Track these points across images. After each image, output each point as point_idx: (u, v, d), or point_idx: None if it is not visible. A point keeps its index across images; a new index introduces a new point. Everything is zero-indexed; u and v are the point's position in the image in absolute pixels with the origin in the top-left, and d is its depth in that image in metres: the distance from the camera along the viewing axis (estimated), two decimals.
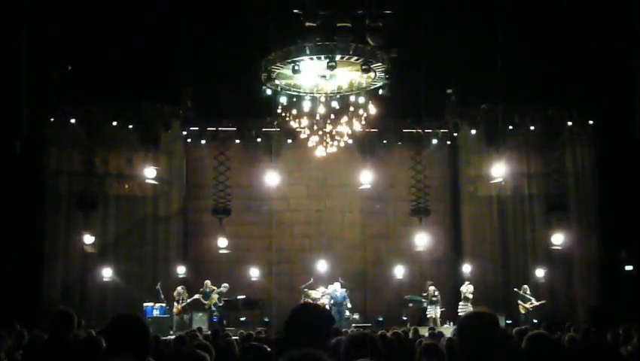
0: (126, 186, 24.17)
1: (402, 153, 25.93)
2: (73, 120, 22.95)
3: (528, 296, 22.40)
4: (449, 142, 25.91)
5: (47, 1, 19.94)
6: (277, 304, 23.75)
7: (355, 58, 18.35)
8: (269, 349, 6.36)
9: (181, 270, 24.01)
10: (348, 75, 19.69)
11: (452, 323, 21.55)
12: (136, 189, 24.21)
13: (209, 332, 15.97)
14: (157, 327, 18.88)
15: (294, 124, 21.10)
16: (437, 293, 22.77)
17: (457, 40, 21.98)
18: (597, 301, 22.32)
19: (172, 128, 24.39)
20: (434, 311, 22.55)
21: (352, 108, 20.40)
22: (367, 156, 24.96)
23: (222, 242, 24.65)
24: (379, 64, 18.63)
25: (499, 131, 24.27)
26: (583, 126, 24.07)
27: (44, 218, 22.25)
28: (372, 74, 19.10)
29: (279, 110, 20.60)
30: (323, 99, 20.46)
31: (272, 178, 24.91)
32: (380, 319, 23.25)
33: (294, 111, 20.66)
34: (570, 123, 24.00)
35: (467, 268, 24.41)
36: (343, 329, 15.82)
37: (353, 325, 20.96)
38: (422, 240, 25.09)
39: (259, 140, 25.13)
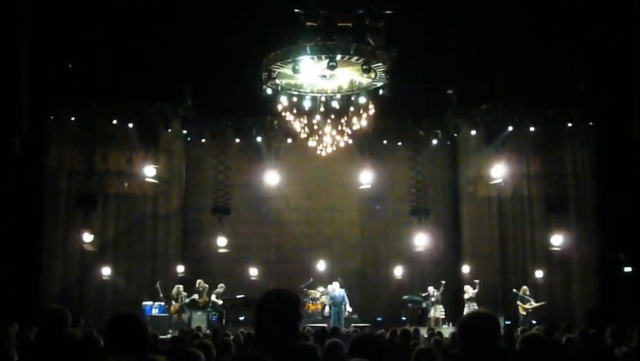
0: (126, 185, 24.18)
1: (402, 154, 25.96)
2: (73, 118, 22.99)
3: (528, 297, 22.39)
4: (449, 143, 25.95)
5: None
6: None
7: (356, 58, 18.33)
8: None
9: (180, 269, 24.02)
10: (349, 75, 19.67)
11: (451, 324, 21.56)
12: (136, 187, 24.23)
13: (208, 331, 15.97)
14: (156, 326, 18.84)
15: (294, 124, 21.09)
16: (436, 294, 22.77)
17: (457, 41, 21.99)
18: (596, 302, 22.34)
19: (172, 127, 24.40)
20: (435, 312, 22.55)
21: (352, 108, 20.40)
22: (366, 156, 24.98)
23: (221, 241, 24.69)
24: (380, 64, 18.61)
25: (499, 132, 24.29)
26: (583, 128, 24.06)
27: (44, 216, 22.26)
28: (372, 74, 19.08)
29: (279, 110, 20.58)
30: (323, 99, 20.46)
31: (271, 177, 24.95)
32: (379, 319, 23.24)
33: (294, 111, 20.65)
34: (569, 125, 24.00)
35: (466, 269, 24.43)
36: (343, 329, 15.83)
37: (352, 325, 20.94)
38: (421, 240, 25.15)
39: (259, 139, 25.14)
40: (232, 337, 10.56)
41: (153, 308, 21.82)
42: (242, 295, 22.56)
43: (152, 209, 24.51)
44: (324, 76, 19.33)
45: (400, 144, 25.73)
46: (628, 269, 21.52)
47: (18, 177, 19.91)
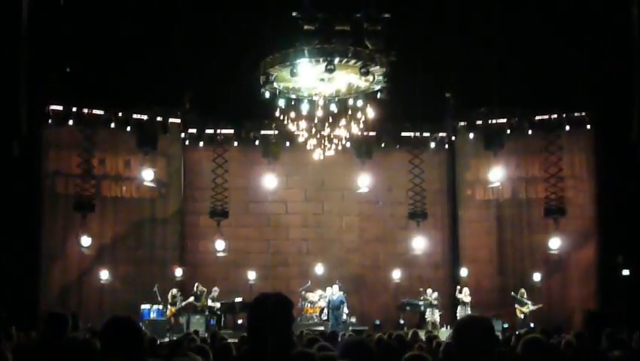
0: (124, 189, 24.17)
1: (400, 157, 25.96)
2: (71, 122, 22.94)
3: (526, 300, 22.42)
4: (447, 146, 25.97)
5: (45, 2, 19.93)
6: None
7: (354, 61, 18.34)
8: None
9: (178, 272, 23.99)
10: (347, 78, 19.65)
11: (449, 327, 21.56)
12: (134, 191, 24.22)
13: (206, 335, 15.95)
14: (154, 329, 18.86)
15: (292, 127, 21.06)
16: (435, 297, 22.79)
17: (456, 44, 22.02)
18: (594, 305, 22.34)
19: (170, 131, 24.40)
20: (433, 315, 22.56)
21: (350, 111, 20.38)
22: (364, 159, 24.96)
23: (219, 245, 24.67)
24: (378, 67, 18.60)
25: (497, 135, 24.31)
26: (581, 131, 24.07)
27: (42, 220, 22.24)
28: (370, 78, 19.07)
29: (277, 113, 20.55)
30: (321, 102, 20.41)
31: (269, 181, 24.95)
32: (377, 322, 23.25)
33: (292, 114, 20.62)
34: (568, 128, 24.00)
35: (464, 272, 24.45)
36: (341, 333, 15.80)
37: (350, 328, 20.93)
38: (419, 243, 25.17)
39: (257, 143, 25.13)
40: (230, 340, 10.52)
41: (152, 312, 21.83)
42: (240, 299, 22.55)
43: (150, 213, 24.49)
44: (323, 79, 19.31)
45: (398, 147, 25.74)
46: (626, 272, 21.54)
47: (16, 181, 19.94)
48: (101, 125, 23.44)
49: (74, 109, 22.86)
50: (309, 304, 23.41)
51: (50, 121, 22.68)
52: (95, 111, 23.23)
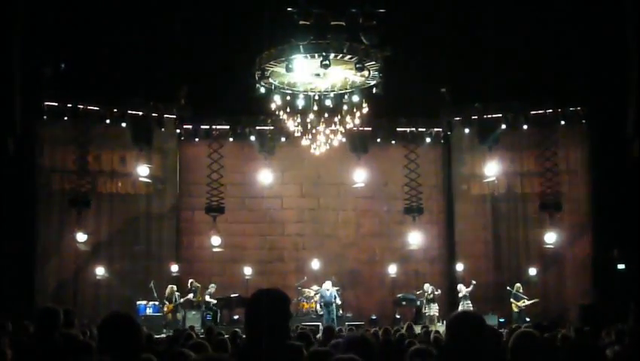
0: (120, 184, 24.13)
1: (396, 152, 26.00)
2: (66, 118, 22.90)
3: (521, 295, 22.46)
4: (442, 141, 26.05)
5: None
6: None
7: (349, 56, 18.35)
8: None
9: (174, 268, 23.98)
10: (342, 74, 19.68)
11: (445, 322, 21.59)
12: (129, 187, 24.19)
13: (202, 331, 15.97)
14: (150, 325, 18.81)
15: (287, 122, 21.09)
16: (432, 290, 22.81)
17: (451, 40, 22.02)
18: (589, 299, 22.38)
19: (165, 126, 24.39)
20: (431, 310, 22.59)
21: (345, 107, 20.41)
22: (360, 154, 25.01)
23: (215, 240, 24.68)
24: (373, 62, 18.64)
25: (492, 130, 24.34)
26: (576, 126, 24.10)
27: (37, 216, 22.18)
28: (366, 73, 19.11)
29: (273, 109, 20.57)
30: (317, 97, 20.47)
31: (265, 176, 24.97)
32: (373, 317, 23.29)
33: (288, 109, 20.65)
34: (563, 123, 24.03)
35: (460, 267, 24.50)
36: (338, 328, 15.83)
37: (346, 323, 20.98)
38: (415, 238, 25.22)
39: (253, 138, 25.14)
40: (227, 336, 10.54)
41: (147, 308, 21.82)
42: (237, 295, 22.56)
43: (146, 208, 24.46)
44: (318, 74, 19.33)
45: (393, 142, 25.78)
46: (621, 266, 21.58)
47: (11, 178, 19.89)
48: (96, 121, 23.39)
49: (69, 105, 22.81)
50: (305, 300, 23.45)
51: (45, 117, 22.61)
52: (90, 107, 23.17)
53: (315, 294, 23.28)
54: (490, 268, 24.78)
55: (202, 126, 25.14)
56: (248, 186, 25.58)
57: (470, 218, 25.39)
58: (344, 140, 22.20)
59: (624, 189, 20.51)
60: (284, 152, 25.13)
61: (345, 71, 19.42)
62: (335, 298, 22.38)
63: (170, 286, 22.44)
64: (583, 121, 23.89)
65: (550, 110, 24.09)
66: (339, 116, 20.76)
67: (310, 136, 21.50)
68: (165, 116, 24.33)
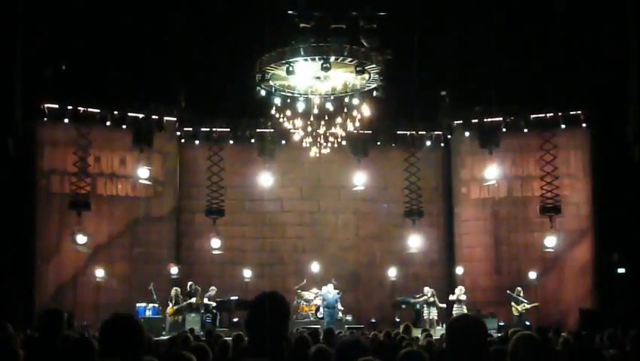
0: (120, 187, 24.13)
1: (396, 155, 25.98)
2: (66, 120, 22.89)
3: (521, 298, 22.43)
4: (442, 144, 26.01)
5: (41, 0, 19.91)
6: None
7: (349, 59, 18.37)
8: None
9: (173, 270, 23.96)
10: (343, 76, 19.70)
11: (444, 325, 21.55)
12: (129, 189, 24.19)
13: (202, 333, 15.95)
14: (150, 328, 18.81)
15: (287, 125, 21.09)
16: (432, 293, 22.79)
17: (451, 43, 22.03)
18: (589, 303, 22.39)
19: (165, 129, 24.38)
20: (431, 313, 22.56)
21: (345, 110, 20.41)
22: (360, 157, 24.98)
23: (215, 243, 24.65)
24: (373, 65, 18.65)
25: (493, 133, 24.32)
26: (577, 129, 24.09)
27: (37, 218, 22.19)
28: (366, 76, 19.13)
29: (273, 111, 20.59)
30: (317, 100, 20.47)
31: (265, 179, 24.94)
32: (373, 320, 23.26)
33: (288, 112, 20.65)
34: (563, 126, 24.02)
35: (460, 270, 24.48)
36: (337, 331, 15.81)
37: (346, 326, 20.95)
38: (415, 242, 25.16)
39: (253, 141, 25.13)
40: (227, 338, 10.53)
41: (147, 310, 21.80)
42: (236, 297, 22.54)
43: (145, 211, 24.45)
44: (318, 77, 19.34)
45: (393, 145, 25.77)
46: (621, 270, 21.57)
47: (12, 179, 19.90)
48: (96, 123, 23.39)
49: (70, 107, 22.80)
50: (304, 303, 23.42)
51: (45, 119, 22.64)
52: (90, 109, 23.18)
53: (315, 297, 23.26)
54: (490, 271, 24.76)
55: (202, 129, 25.12)
56: (248, 188, 25.56)
57: (471, 222, 25.38)
58: (344, 143, 22.20)
59: (625, 193, 20.49)
60: (285, 155, 25.11)
61: (345, 74, 19.43)
62: (337, 301, 22.37)
63: (175, 288, 22.45)
64: (584, 125, 23.87)
65: (551, 114, 24.05)
66: (339, 119, 20.75)
67: (310, 139, 21.50)
68: (165, 118, 24.31)
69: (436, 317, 22.54)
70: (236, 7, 20.97)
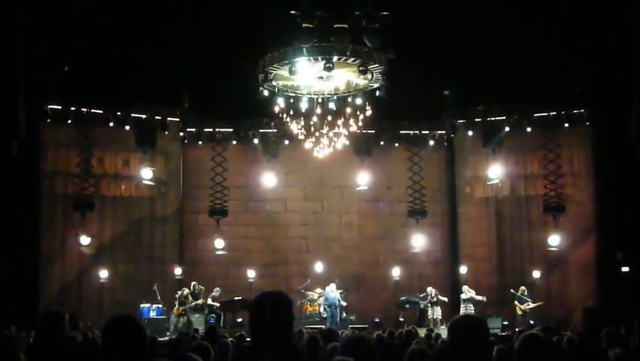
0: (123, 187, 24.17)
1: (399, 155, 25.98)
2: (70, 121, 22.92)
3: (525, 298, 22.41)
4: (446, 143, 26.01)
5: (43, 1, 19.91)
6: None
7: (352, 59, 18.36)
8: None
9: (177, 271, 23.99)
10: (346, 76, 19.69)
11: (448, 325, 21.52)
12: (133, 190, 24.22)
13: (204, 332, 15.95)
14: (154, 328, 18.84)
15: (291, 125, 21.09)
16: (435, 293, 22.79)
17: (454, 42, 22.01)
18: (593, 302, 22.35)
19: (169, 129, 24.41)
20: (435, 313, 22.56)
21: (349, 109, 20.40)
22: (363, 157, 24.97)
23: (219, 243, 24.68)
24: (376, 65, 18.63)
25: (496, 132, 24.31)
26: (580, 128, 24.07)
27: (41, 219, 22.21)
28: (369, 76, 19.11)
29: (276, 112, 20.59)
30: (320, 100, 20.46)
31: (269, 179, 24.96)
32: (377, 320, 23.26)
33: (291, 112, 20.64)
34: (566, 125, 24.00)
35: (463, 270, 24.47)
36: (340, 331, 15.81)
37: (350, 326, 20.95)
38: (418, 241, 25.18)
39: (256, 141, 25.13)
40: (231, 339, 10.53)
41: (151, 311, 21.83)
42: (240, 297, 22.54)
43: (149, 211, 24.48)
44: (321, 77, 19.34)
45: (397, 145, 25.76)
46: (625, 269, 21.55)
47: (15, 181, 19.92)
48: (99, 124, 23.42)
49: (73, 108, 22.84)
50: (308, 303, 23.41)
51: (48, 120, 22.66)
52: (93, 110, 23.22)
53: (318, 297, 23.26)
54: (494, 270, 24.74)
55: (205, 129, 25.15)
56: (252, 189, 25.58)
57: (474, 221, 25.37)
58: (347, 143, 22.18)
59: (628, 192, 20.49)
60: (288, 155, 25.12)
61: (348, 73, 19.42)
62: (339, 300, 22.38)
63: (183, 288, 22.47)
64: (587, 123, 23.85)
65: (554, 113, 24.04)
66: (342, 119, 20.74)
67: (313, 139, 21.49)
68: (168, 119, 24.35)
69: (440, 317, 22.53)
70: (239, 7, 20.96)
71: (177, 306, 22.04)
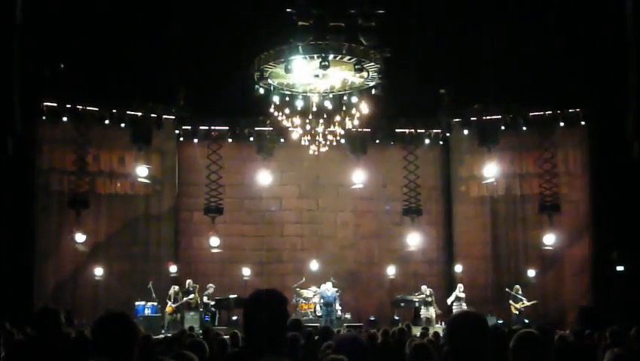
0: (118, 185, 24.13)
1: (395, 153, 25.99)
2: (65, 119, 22.88)
3: (520, 296, 22.43)
4: (441, 142, 26.01)
5: None
6: None
7: (348, 57, 18.36)
8: None
9: (172, 269, 23.97)
10: (341, 74, 19.69)
11: (443, 323, 21.56)
12: (128, 187, 24.20)
13: (200, 331, 15.96)
14: (149, 326, 18.82)
15: (286, 123, 21.08)
16: (430, 293, 22.79)
17: (450, 40, 22.03)
18: (588, 301, 22.37)
19: (164, 127, 24.37)
20: (429, 311, 22.56)
21: (344, 108, 20.41)
22: (359, 155, 24.96)
23: (214, 241, 24.68)
24: (372, 63, 18.64)
25: (491, 131, 24.32)
26: (575, 127, 24.10)
27: (36, 217, 22.16)
28: (365, 74, 19.12)
29: (272, 110, 20.58)
30: (316, 98, 20.46)
31: (264, 177, 24.96)
32: (372, 318, 23.28)
33: (287, 110, 20.64)
34: (562, 124, 24.02)
35: (459, 268, 24.49)
36: (336, 329, 15.83)
37: (345, 324, 20.97)
38: (414, 240, 25.20)
39: (251, 139, 25.12)
40: (226, 336, 10.53)
41: (146, 308, 21.79)
42: (235, 296, 22.53)
43: (144, 209, 24.46)
44: (317, 75, 19.34)
45: (392, 143, 25.77)
46: (620, 268, 21.57)
47: (10, 178, 19.86)
48: (95, 122, 23.40)
49: (68, 106, 22.81)
50: (303, 301, 23.42)
51: (44, 118, 22.62)
52: (89, 108, 23.18)
53: (313, 295, 23.26)
54: (489, 269, 24.76)
55: (200, 127, 25.13)
56: (247, 187, 25.58)
57: (469, 219, 25.38)
58: (343, 141, 22.19)
59: (623, 191, 20.51)
60: (283, 153, 25.12)
61: (344, 72, 19.43)
62: (335, 299, 22.38)
63: (173, 286, 22.46)
64: (583, 123, 23.88)
65: (550, 112, 24.07)
66: (338, 118, 20.75)
67: (309, 137, 21.49)
68: (164, 117, 24.32)
69: (434, 315, 22.55)
70: (235, 5, 20.95)
71: (169, 304, 22.02)
